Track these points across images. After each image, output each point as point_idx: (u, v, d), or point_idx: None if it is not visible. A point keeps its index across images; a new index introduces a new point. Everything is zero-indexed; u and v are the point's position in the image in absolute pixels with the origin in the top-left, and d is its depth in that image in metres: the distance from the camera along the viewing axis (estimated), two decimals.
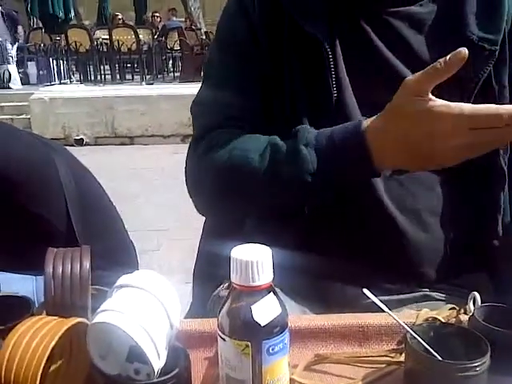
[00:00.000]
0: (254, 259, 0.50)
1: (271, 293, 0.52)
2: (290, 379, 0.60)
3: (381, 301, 0.62)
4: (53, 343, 0.46)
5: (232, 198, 0.79)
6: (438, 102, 0.64)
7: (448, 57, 0.62)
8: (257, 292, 0.51)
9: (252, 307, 0.51)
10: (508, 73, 0.78)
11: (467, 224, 0.81)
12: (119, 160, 4.94)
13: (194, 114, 0.87)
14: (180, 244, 2.79)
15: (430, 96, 0.64)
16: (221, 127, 0.80)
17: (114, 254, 1.36)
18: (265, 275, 0.51)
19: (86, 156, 3.98)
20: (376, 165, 0.69)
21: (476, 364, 0.55)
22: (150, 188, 3.99)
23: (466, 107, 0.63)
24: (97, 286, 0.61)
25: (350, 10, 0.79)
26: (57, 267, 0.53)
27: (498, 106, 0.62)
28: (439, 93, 0.77)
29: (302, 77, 0.78)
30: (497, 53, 0.76)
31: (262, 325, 0.50)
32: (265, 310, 0.51)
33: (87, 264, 0.54)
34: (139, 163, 4.80)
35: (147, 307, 0.52)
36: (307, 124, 0.77)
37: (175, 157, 4.78)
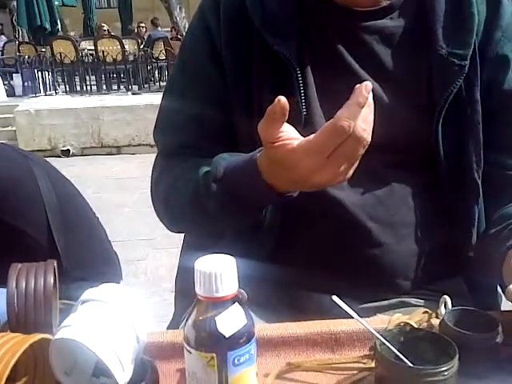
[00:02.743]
0: (218, 270, 0.50)
1: (236, 303, 0.52)
2: None
3: (357, 308, 0.62)
4: (13, 361, 0.45)
5: (176, 223, 0.87)
6: (286, 144, 0.63)
7: (277, 100, 0.61)
8: (221, 303, 0.51)
9: (216, 319, 0.50)
10: (480, 87, 0.77)
11: (442, 235, 0.82)
12: (106, 170, 4.92)
13: (156, 139, 0.89)
14: (166, 253, 2.78)
15: (282, 138, 0.63)
16: (176, 154, 0.83)
17: (96, 264, 1.35)
18: (229, 286, 0.51)
19: (72, 167, 3.97)
20: (267, 183, 0.69)
21: (444, 368, 0.55)
22: (136, 197, 3.97)
23: (307, 138, 0.62)
24: (65, 301, 0.61)
25: (320, 26, 0.78)
26: (20, 283, 0.53)
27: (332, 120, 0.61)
28: (411, 108, 0.77)
29: (270, 95, 0.78)
30: (466, 67, 0.75)
31: (227, 336, 0.50)
32: (229, 321, 0.51)
33: (51, 279, 0.54)
34: (126, 173, 4.78)
35: (111, 321, 0.52)
36: None
37: None
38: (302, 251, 0.80)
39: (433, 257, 0.82)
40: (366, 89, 0.59)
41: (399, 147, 0.77)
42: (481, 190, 0.79)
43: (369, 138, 0.61)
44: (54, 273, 0.57)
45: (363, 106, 0.59)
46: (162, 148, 0.88)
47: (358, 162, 0.63)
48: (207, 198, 0.73)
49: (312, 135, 0.62)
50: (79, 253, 1.28)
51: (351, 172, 0.64)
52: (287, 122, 0.77)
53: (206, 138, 0.82)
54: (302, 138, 0.63)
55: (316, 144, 0.61)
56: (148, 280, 2.65)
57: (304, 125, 0.76)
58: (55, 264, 0.58)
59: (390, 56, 0.78)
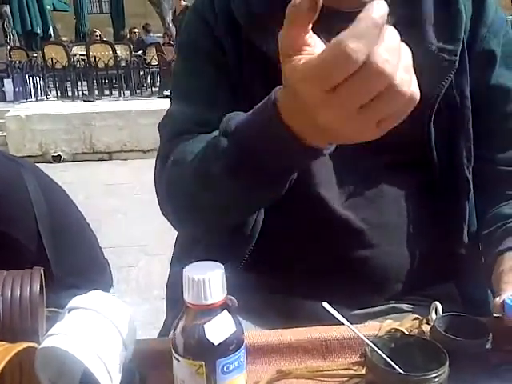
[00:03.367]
0: (206, 277, 0.49)
1: (225, 310, 0.51)
2: None
3: (348, 315, 0.62)
4: None
5: (182, 208, 0.75)
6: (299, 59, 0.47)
7: None
8: (210, 310, 0.50)
9: (205, 326, 0.50)
10: (469, 82, 0.77)
11: (433, 235, 0.82)
12: (98, 176, 4.90)
13: (160, 126, 0.84)
14: (158, 259, 2.76)
15: (305, 52, 0.47)
16: (184, 132, 0.77)
17: (87, 271, 1.34)
18: (217, 293, 0.50)
19: (64, 172, 3.94)
20: (288, 130, 0.52)
21: (434, 375, 0.55)
22: (128, 203, 3.96)
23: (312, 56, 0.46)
24: (51, 309, 0.60)
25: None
26: (5, 290, 0.52)
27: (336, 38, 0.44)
28: None
29: (260, 88, 0.77)
30: (456, 63, 0.76)
31: (216, 344, 0.49)
32: (218, 329, 0.50)
33: (37, 287, 0.53)
34: (118, 179, 4.76)
35: (98, 329, 0.51)
36: None
37: (154, 172, 4.75)
38: (289, 256, 0.79)
39: (425, 260, 0.82)
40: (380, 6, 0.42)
41: (390, 148, 0.77)
42: (471, 186, 0.80)
43: (401, 78, 0.43)
44: (41, 280, 0.57)
45: (380, 27, 0.42)
46: (169, 130, 0.81)
47: (397, 118, 0.47)
48: (215, 159, 0.61)
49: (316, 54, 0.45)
50: (70, 260, 1.27)
51: (386, 126, 0.47)
52: None
53: (216, 116, 0.72)
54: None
55: (315, 67, 0.44)
56: (139, 287, 2.63)
57: None
58: (42, 271, 0.58)
59: None
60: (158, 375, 0.61)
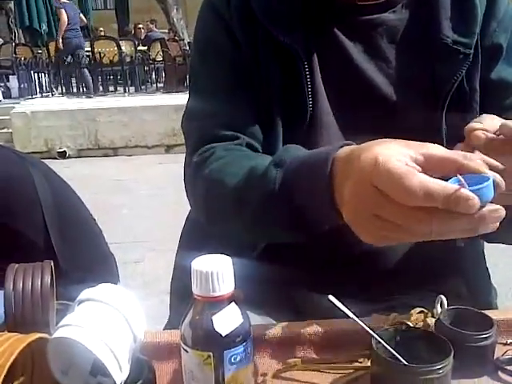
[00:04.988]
0: (214, 270, 0.50)
1: (233, 303, 0.52)
2: None
3: (354, 309, 0.62)
4: (11, 360, 0.45)
5: (215, 215, 0.78)
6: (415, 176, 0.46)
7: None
8: (218, 302, 0.51)
9: (213, 318, 0.51)
10: (480, 77, 0.77)
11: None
12: (103, 172, 4.91)
13: (185, 130, 0.85)
14: (164, 255, 2.77)
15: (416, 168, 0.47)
16: (213, 141, 0.78)
17: (94, 266, 1.35)
18: (225, 285, 0.51)
19: (69, 168, 3.96)
20: (334, 196, 0.56)
21: (439, 366, 0.56)
22: (134, 199, 3.97)
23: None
24: (62, 301, 0.61)
25: (322, 19, 0.79)
26: (17, 283, 0.53)
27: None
28: (414, 97, 0.78)
29: (278, 83, 0.78)
30: (471, 56, 0.76)
31: (223, 335, 0.50)
32: (226, 320, 0.51)
33: (48, 279, 0.54)
34: (123, 174, 4.77)
35: (108, 320, 0.52)
36: (280, 131, 0.77)
37: (159, 167, 4.77)
38: (298, 249, 0.80)
39: (433, 255, 0.82)
40: None
41: (402, 138, 0.77)
42: None
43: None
44: (51, 273, 0.58)
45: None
46: (196, 134, 0.81)
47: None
48: (258, 186, 0.64)
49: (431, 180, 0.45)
50: (77, 254, 1.28)
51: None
52: (292, 112, 0.76)
53: (241, 115, 0.78)
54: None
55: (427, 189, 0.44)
56: (145, 282, 2.65)
57: (311, 117, 0.76)
58: (52, 264, 0.59)
59: (393, 49, 0.79)
60: (166, 366, 0.62)
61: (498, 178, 0.46)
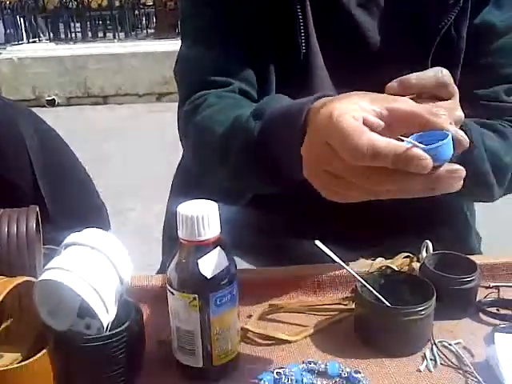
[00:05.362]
0: (200, 214, 0.50)
1: (218, 247, 0.52)
2: (244, 329, 0.61)
3: (341, 254, 0.63)
4: None
5: (204, 161, 0.78)
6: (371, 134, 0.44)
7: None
8: (203, 246, 0.51)
9: (198, 261, 0.51)
10: (468, 24, 0.76)
11: None
12: (93, 120, 4.85)
13: (177, 76, 0.83)
14: (156, 204, 2.78)
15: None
16: (205, 87, 0.77)
17: (84, 214, 1.35)
18: (211, 230, 0.51)
19: (58, 117, 3.89)
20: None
21: (421, 308, 0.57)
22: (125, 148, 3.94)
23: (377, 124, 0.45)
24: (49, 246, 0.61)
25: None
26: (2, 227, 0.53)
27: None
28: (404, 42, 0.76)
29: (270, 28, 0.76)
30: (461, 1, 0.74)
31: (209, 278, 0.51)
32: (211, 264, 0.51)
33: (33, 223, 0.54)
34: (114, 123, 4.71)
35: (94, 263, 0.52)
36: (273, 79, 0.75)
37: (151, 116, 4.71)
38: (287, 196, 0.80)
39: (418, 202, 0.82)
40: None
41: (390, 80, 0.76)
42: None
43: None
44: (37, 218, 0.57)
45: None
46: (188, 81, 0.80)
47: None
48: (239, 136, 0.65)
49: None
50: (66, 202, 1.28)
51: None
52: (284, 57, 0.74)
53: (234, 60, 0.76)
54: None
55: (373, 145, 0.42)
56: (138, 230, 2.66)
57: (303, 62, 0.75)
58: (37, 209, 0.58)
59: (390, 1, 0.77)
60: (154, 308, 0.63)
61: (460, 134, 0.44)
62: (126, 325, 0.53)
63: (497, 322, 0.64)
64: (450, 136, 0.42)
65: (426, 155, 0.41)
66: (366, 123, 0.44)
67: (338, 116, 0.44)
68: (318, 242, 0.62)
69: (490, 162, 0.70)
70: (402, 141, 0.43)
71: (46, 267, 0.52)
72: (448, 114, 0.47)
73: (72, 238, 0.55)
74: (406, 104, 0.45)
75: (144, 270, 0.74)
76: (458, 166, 0.43)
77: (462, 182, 0.44)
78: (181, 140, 0.81)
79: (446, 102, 0.52)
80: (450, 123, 0.44)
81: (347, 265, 0.62)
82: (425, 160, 0.41)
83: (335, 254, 0.62)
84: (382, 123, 0.45)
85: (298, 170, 0.51)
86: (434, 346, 0.60)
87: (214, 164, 0.73)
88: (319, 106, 0.51)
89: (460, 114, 0.53)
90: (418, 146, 0.41)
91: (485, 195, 0.76)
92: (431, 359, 0.58)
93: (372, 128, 0.44)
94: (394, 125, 0.45)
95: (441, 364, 0.58)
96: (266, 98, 0.68)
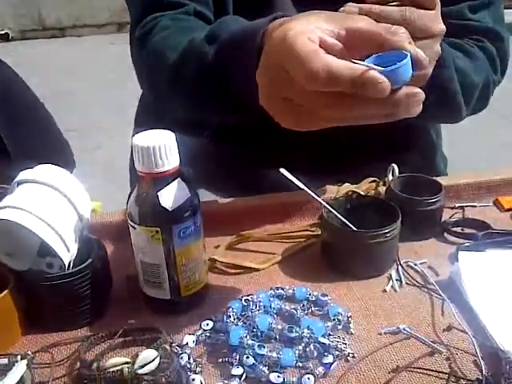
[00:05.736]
0: (156, 144, 0.48)
1: (179, 178, 0.51)
2: (212, 259, 0.61)
3: (309, 184, 0.62)
4: None
5: (158, 90, 0.74)
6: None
7: None
8: (162, 178, 0.49)
9: (158, 194, 0.49)
10: None
11: None
12: (51, 55, 4.61)
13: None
14: (122, 141, 2.71)
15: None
16: (158, 9, 0.72)
17: (46, 153, 1.31)
18: (169, 161, 0.49)
19: (13, 52, 3.67)
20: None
21: (386, 231, 0.57)
22: (87, 83, 3.78)
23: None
24: (1, 185, 0.58)
25: None
26: None
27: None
28: None
29: None
30: None
31: (170, 210, 0.49)
32: (172, 196, 0.50)
33: None
34: (73, 57, 4.49)
35: (49, 201, 0.50)
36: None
37: (112, 48, 4.50)
38: (253, 125, 0.78)
39: (389, 129, 0.81)
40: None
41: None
42: None
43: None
44: None
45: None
46: (140, 3, 0.76)
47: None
48: (193, 61, 0.61)
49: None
50: (26, 142, 1.23)
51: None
52: None
53: None
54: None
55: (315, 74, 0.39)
56: (104, 168, 2.61)
57: None
58: None
59: None
60: (117, 244, 0.62)
61: (421, 54, 0.41)
62: (88, 261, 0.52)
63: (461, 241, 0.65)
64: (408, 56, 0.39)
65: (383, 78, 0.38)
66: (322, 45, 0.41)
67: (293, 37, 0.41)
68: (282, 170, 0.61)
69: (460, 82, 0.69)
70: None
71: None
72: (429, 26, 0.45)
73: (24, 174, 0.52)
74: (364, 23, 0.42)
75: (113, 208, 0.72)
76: (417, 89, 0.40)
77: (422, 105, 0.41)
78: (135, 68, 0.77)
79: (427, 12, 0.49)
80: (410, 42, 0.41)
81: (313, 192, 0.62)
82: (382, 83, 0.38)
83: (300, 181, 0.61)
84: (339, 44, 0.42)
85: (255, 96, 0.47)
86: (399, 267, 0.61)
87: (168, 92, 0.69)
88: (274, 28, 0.47)
89: (443, 26, 0.50)
90: (374, 69, 0.38)
91: (453, 116, 0.76)
92: (397, 279, 0.59)
93: (329, 50, 0.41)
94: (353, 46, 0.42)
95: (406, 284, 0.59)
96: (220, 19, 0.64)
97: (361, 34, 0.42)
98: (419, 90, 0.40)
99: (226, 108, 0.61)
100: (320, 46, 0.41)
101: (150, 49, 0.69)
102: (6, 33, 5.12)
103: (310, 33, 0.41)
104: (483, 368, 0.47)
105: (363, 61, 0.40)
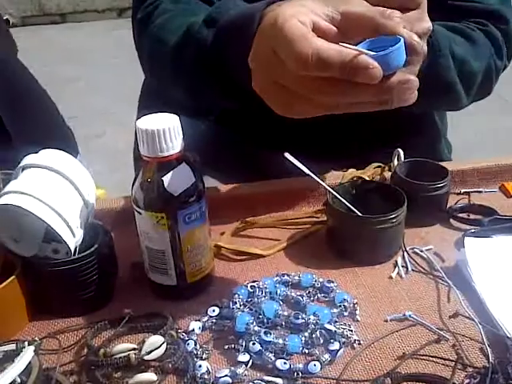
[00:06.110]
0: (160, 128, 0.47)
1: (183, 163, 0.50)
2: (217, 246, 0.61)
3: (316, 169, 0.61)
4: None
5: (159, 75, 0.74)
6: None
7: None
8: (167, 163, 0.49)
9: (163, 178, 0.49)
10: None
11: None
12: (52, 41, 4.58)
13: None
14: (125, 128, 2.70)
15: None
16: None
17: (49, 140, 1.31)
18: (174, 144, 0.48)
19: (14, 38, 3.65)
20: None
21: (392, 216, 0.57)
22: (89, 70, 3.76)
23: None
24: (6, 171, 0.58)
25: None
26: None
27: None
28: None
29: None
30: None
31: (175, 195, 0.49)
32: (177, 181, 0.49)
33: None
34: (75, 43, 4.46)
35: (54, 186, 0.50)
36: None
37: (113, 34, 4.46)
38: (258, 111, 0.77)
39: (396, 114, 0.81)
40: None
41: None
42: None
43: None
44: None
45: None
46: None
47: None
48: (191, 45, 0.61)
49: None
50: (29, 129, 1.23)
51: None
52: None
53: None
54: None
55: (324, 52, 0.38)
56: (108, 155, 2.60)
57: None
58: None
59: None
60: (123, 230, 0.62)
61: (414, 39, 0.40)
62: (94, 247, 0.52)
63: (467, 227, 0.65)
64: (401, 41, 0.38)
65: (374, 63, 0.37)
66: (316, 28, 0.40)
67: (283, 21, 0.40)
68: (287, 155, 0.60)
69: (458, 70, 0.68)
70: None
71: (2, 192, 0.49)
72: (413, 24, 0.43)
73: (29, 159, 0.52)
74: (360, 5, 0.41)
75: (118, 195, 0.72)
76: (411, 76, 0.39)
77: (417, 93, 0.40)
78: (137, 52, 0.76)
79: (411, 12, 0.48)
80: (404, 27, 0.40)
81: (318, 177, 0.61)
82: (374, 69, 0.37)
83: (305, 166, 0.61)
84: (333, 28, 0.41)
85: (250, 82, 0.47)
86: (405, 253, 0.61)
87: (169, 77, 0.68)
88: (268, 12, 0.46)
89: (428, 24, 0.48)
90: (365, 53, 0.37)
91: (452, 104, 0.75)
92: (403, 266, 0.59)
93: (323, 34, 0.40)
94: (348, 30, 0.41)
95: (412, 270, 0.59)
96: (217, 3, 0.62)
97: (355, 18, 0.40)
98: (413, 77, 0.39)
99: (224, 92, 0.60)
100: (313, 29, 0.40)
101: (151, 34, 0.69)
102: (7, 19, 5.09)
103: (301, 15, 0.40)
104: (490, 355, 0.46)
105: (356, 46, 0.39)
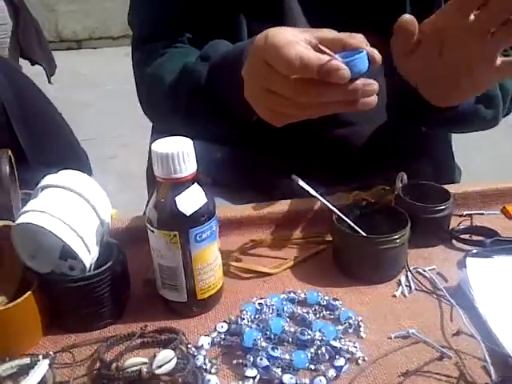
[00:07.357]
0: (175, 151, 0.50)
1: (195, 184, 0.53)
2: (226, 264, 0.63)
3: (321, 191, 0.64)
4: None
5: (158, 114, 0.81)
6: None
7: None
8: (180, 184, 0.52)
9: (176, 198, 0.51)
10: None
11: (406, 112, 0.82)
12: (67, 66, 4.66)
13: (130, 22, 0.84)
14: (137, 150, 2.74)
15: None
16: (154, 39, 0.78)
17: (64, 162, 1.34)
18: (187, 166, 0.51)
19: (31, 63, 3.73)
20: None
21: (396, 237, 0.59)
22: (102, 95, 3.84)
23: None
24: (26, 190, 0.61)
25: None
26: None
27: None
28: None
29: None
30: None
31: (188, 215, 0.51)
32: (189, 201, 0.52)
33: (6, 165, 0.53)
34: (89, 69, 4.56)
35: (71, 205, 0.53)
36: (245, 29, 0.74)
37: (127, 60, 4.53)
38: (268, 134, 0.80)
39: (400, 138, 0.83)
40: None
41: (370, 21, 0.75)
42: None
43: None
44: (10, 161, 0.57)
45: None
46: (139, 31, 0.82)
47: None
48: (187, 79, 0.68)
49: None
50: (45, 151, 1.26)
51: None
52: (258, 12, 0.73)
53: (185, 11, 0.77)
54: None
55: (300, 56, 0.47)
56: (120, 177, 2.65)
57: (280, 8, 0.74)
58: (10, 153, 0.57)
59: None
60: (136, 248, 0.64)
61: (375, 53, 0.49)
62: (108, 265, 0.54)
63: (469, 248, 0.66)
64: (364, 52, 0.48)
65: (343, 65, 0.46)
66: None
67: (273, 34, 0.49)
68: (294, 177, 0.63)
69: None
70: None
71: (22, 210, 0.52)
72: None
73: (48, 179, 0.55)
74: (330, 32, 0.52)
75: (130, 215, 0.74)
76: (372, 80, 0.48)
77: (376, 97, 0.49)
78: (137, 94, 0.83)
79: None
80: (366, 44, 0.50)
81: (324, 198, 0.63)
82: (343, 70, 0.46)
83: (313, 188, 0.63)
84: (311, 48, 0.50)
85: (246, 110, 0.56)
86: (408, 273, 0.62)
87: (168, 111, 0.74)
88: (257, 37, 0.54)
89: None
90: (336, 58, 0.47)
91: (482, 126, 0.79)
92: (406, 285, 0.61)
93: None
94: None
95: (415, 289, 0.60)
96: (211, 42, 0.70)
97: (329, 40, 0.50)
98: (374, 82, 0.49)
99: (220, 123, 0.67)
100: None
101: (150, 73, 0.76)
102: None
103: (287, 34, 0.49)
104: (492, 373, 0.47)
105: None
